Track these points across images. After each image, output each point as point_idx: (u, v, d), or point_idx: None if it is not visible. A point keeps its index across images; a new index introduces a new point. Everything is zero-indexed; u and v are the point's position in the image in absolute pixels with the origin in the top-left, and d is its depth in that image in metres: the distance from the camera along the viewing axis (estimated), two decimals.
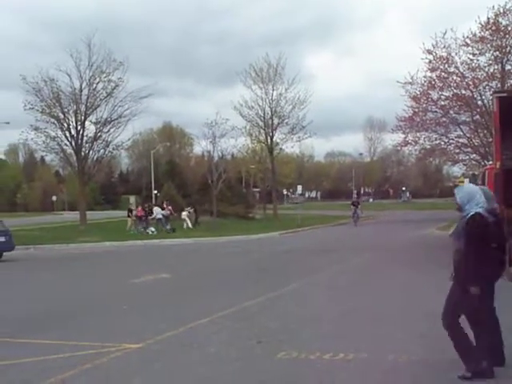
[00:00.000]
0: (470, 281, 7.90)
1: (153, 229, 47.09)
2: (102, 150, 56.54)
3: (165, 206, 50.80)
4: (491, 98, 29.90)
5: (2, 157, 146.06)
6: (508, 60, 46.73)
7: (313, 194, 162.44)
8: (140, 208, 50.97)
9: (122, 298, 16.73)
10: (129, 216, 50.49)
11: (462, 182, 53.74)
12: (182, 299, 16.30)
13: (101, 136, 55.45)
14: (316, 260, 25.67)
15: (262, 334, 11.15)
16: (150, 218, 48.81)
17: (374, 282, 18.15)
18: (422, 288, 16.82)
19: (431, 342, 10.21)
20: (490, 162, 33.24)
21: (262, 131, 70.14)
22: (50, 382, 8.55)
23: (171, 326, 12.14)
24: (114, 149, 58.54)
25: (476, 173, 41.16)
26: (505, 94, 22.89)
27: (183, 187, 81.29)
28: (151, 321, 13.06)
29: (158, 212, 48.70)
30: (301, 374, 8.71)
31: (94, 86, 54.69)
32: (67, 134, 54.23)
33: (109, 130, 55.56)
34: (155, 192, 77.04)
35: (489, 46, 46.52)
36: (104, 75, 54.21)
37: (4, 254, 30.49)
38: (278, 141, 70.57)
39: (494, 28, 45.91)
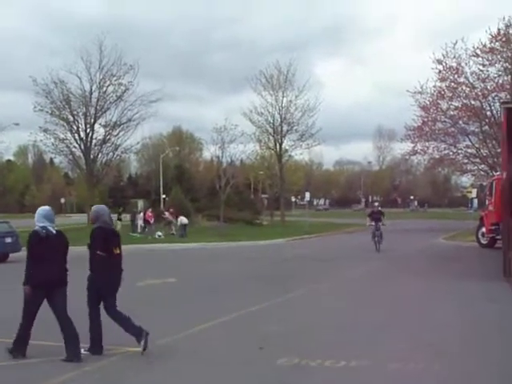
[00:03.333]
0: (26, 282, 10.07)
1: (160, 233, 47.25)
2: (110, 153, 57.09)
3: (171, 211, 51.32)
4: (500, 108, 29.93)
5: (12, 158, 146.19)
6: None
7: (321, 202, 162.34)
8: (148, 212, 51.33)
9: (126, 301, 16.73)
10: (119, 219, 50.73)
11: (470, 192, 53.80)
12: (187, 303, 16.32)
13: (110, 139, 55.90)
14: (321, 268, 25.66)
15: (265, 340, 11.16)
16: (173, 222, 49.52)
17: (378, 290, 18.14)
18: (426, 297, 16.82)
19: (438, 351, 10.22)
20: (498, 173, 33.28)
21: (271, 138, 70.22)
22: (51, 383, 8.62)
23: (174, 330, 12.17)
24: (122, 152, 59.11)
25: (484, 183, 41.22)
26: None
27: (191, 192, 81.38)
28: (154, 325, 13.06)
29: (182, 219, 49.20)
30: (300, 380, 8.74)
31: (104, 88, 55.18)
32: (76, 137, 54.70)
33: (118, 134, 56.09)
34: (163, 196, 77.13)
35: (499, 56, 46.64)
36: (114, 78, 54.64)
37: (10, 255, 30.50)
38: (287, 148, 70.73)
39: (504, 39, 46.04)
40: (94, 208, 10.91)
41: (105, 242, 10.34)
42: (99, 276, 10.42)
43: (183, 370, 9.47)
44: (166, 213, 51.31)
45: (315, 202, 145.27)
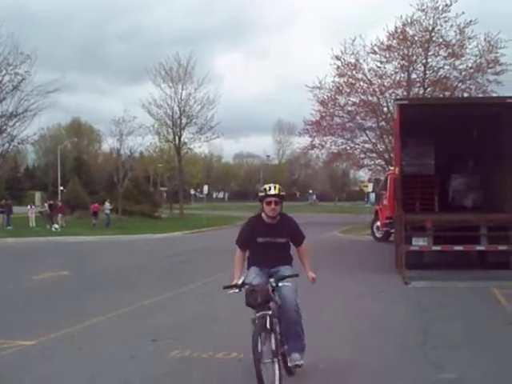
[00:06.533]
0: None
1: (57, 225, 46.66)
2: (6, 144, 55.64)
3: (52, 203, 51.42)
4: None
5: None
6: (414, 69, 47.73)
7: (220, 195, 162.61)
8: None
9: (20, 295, 16.48)
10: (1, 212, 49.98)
11: (367, 186, 54.71)
12: (81, 297, 16.14)
13: (6, 130, 54.51)
14: (217, 260, 25.56)
15: (158, 333, 11.19)
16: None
17: None
18: (316, 291, 16.98)
19: (323, 345, 10.35)
20: (393, 168, 33.94)
21: (170, 130, 69.79)
22: None
23: (67, 323, 12.07)
24: (19, 143, 57.68)
25: (382, 178, 41.97)
26: (405, 102, 23.45)
27: (90, 184, 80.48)
28: (47, 318, 12.93)
29: (106, 207, 50.53)
30: (191, 372, 8.75)
31: (0, 78, 53.73)
32: None
33: (14, 124, 54.69)
34: (61, 188, 76.06)
35: (396, 54, 47.44)
36: (10, 67, 53.27)
37: None
38: (186, 140, 70.43)
39: (401, 37, 46.84)
40: None
41: None
42: None
43: (75, 363, 9.39)
44: (45, 205, 50.68)
45: (214, 195, 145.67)
